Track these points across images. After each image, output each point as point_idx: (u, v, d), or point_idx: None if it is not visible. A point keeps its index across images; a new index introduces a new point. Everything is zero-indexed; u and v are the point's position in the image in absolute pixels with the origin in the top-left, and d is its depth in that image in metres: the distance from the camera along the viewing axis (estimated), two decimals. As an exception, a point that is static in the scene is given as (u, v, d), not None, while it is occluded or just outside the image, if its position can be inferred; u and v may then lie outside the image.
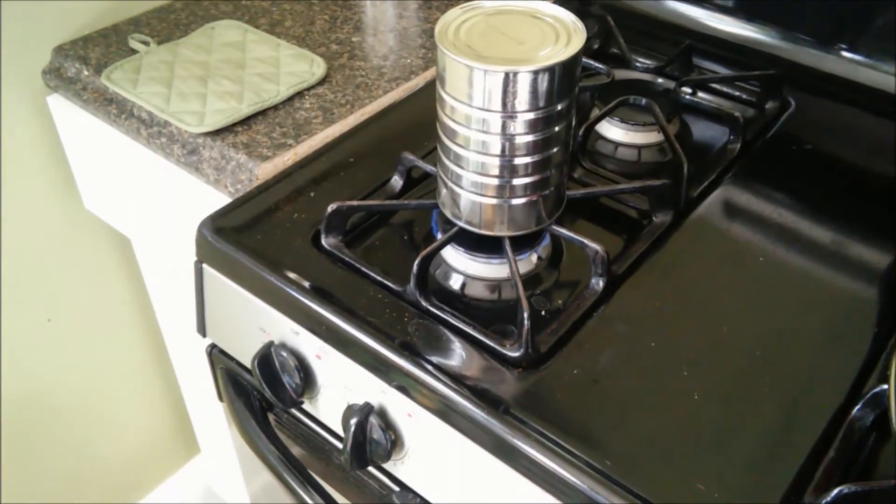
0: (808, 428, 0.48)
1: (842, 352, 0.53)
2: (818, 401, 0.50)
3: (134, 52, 0.87)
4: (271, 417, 0.69)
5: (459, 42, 0.51)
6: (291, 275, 0.59)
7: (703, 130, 0.76)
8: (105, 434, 1.22)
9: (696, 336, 0.54)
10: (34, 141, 0.95)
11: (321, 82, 0.82)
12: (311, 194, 0.67)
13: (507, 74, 0.48)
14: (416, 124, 0.75)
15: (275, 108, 0.78)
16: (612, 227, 0.65)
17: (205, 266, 0.66)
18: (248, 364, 0.63)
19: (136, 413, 1.25)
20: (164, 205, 0.86)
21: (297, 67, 0.83)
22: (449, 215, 0.59)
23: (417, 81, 0.83)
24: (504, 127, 0.51)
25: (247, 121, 0.77)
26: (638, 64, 0.82)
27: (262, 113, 0.78)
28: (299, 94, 0.80)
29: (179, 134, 0.77)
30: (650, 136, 0.72)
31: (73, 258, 1.05)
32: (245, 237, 0.63)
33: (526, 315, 0.51)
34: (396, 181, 0.67)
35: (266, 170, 0.72)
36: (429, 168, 0.64)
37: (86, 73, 0.85)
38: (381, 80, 0.82)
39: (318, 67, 0.83)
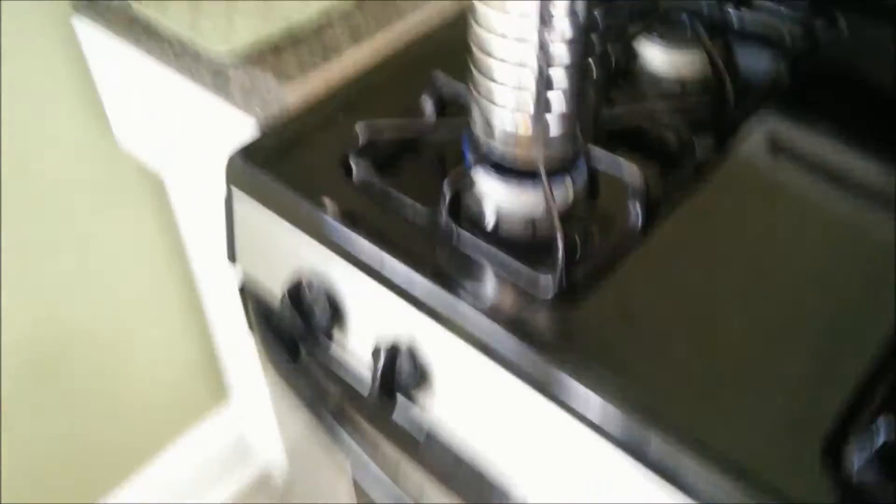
0: (857, 362, 0.45)
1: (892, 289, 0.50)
2: (867, 336, 0.46)
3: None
4: (303, 351, 0.69)
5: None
6: (321, 200, 0.57)
7: (747, 51, 0.70)
8: (132, 379, 1.20)
9: (741, 270, 0.51)
10: (63, 70, 0.93)
11: (350, 1, 0.78)
12: (341, 119, 0.64)
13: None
14: (448, 45, 0.71)
15: (303, 28, 0.75)
16: (650, 155, 0.61)
17: (235, 193, 0.64)
18: (278, 294, 0.62)
19: (166, 358, 1.24)
20: (194, 132, 0.85)
21: (327, -14, 0.79)
22: (481, 135, 0.56)
23: (449, 2, 0.79)
24: (539, 34, 0.48)
25: (275, 42, 0.74)
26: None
27: (290, 35, 0.75)
28: (328, 16, 0.77)
29: (206, 55, 0.74)
30: (691, 57, 0.68)
31: (105, 197, 1.04)
32: (276, 164, 0.61)
33: (561, 245, 0.49)
34: (427, 103, 0.64)
35: (295, 92, 0.69)
36: (461, 87, 0.61)
37: (112, -6, 0.83)
38: (414, -1, 0.78)
39: (348, -14, 0.79)
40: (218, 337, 1.24)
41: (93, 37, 0.88)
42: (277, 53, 0.73)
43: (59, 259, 1.03)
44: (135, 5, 0.79)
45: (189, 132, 0.85)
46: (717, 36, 0.70)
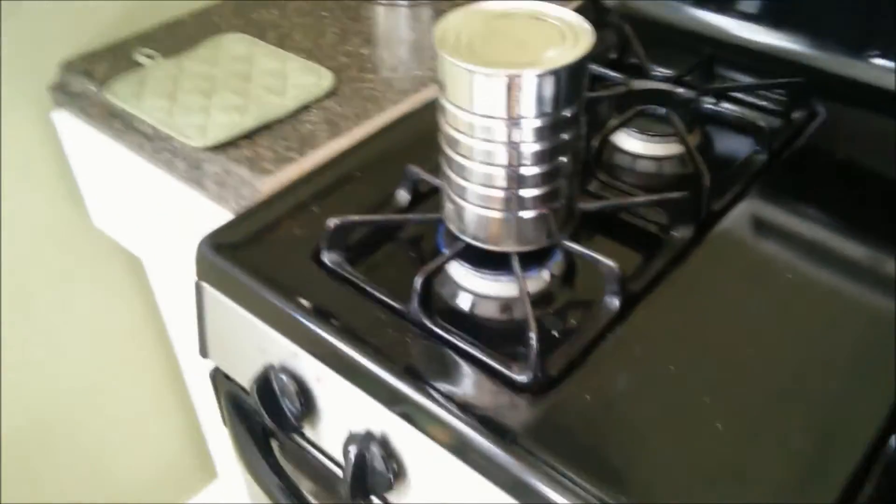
0: (844, 458, 0.44)
1: (878, 376, 0.49)
2: (854, 429, 0.46)
3: (140, 66, 0.85)
4: (275, 444, 0.66)
5: (461, 46, 0.48)
6: (290, 293, 0.56)
7: (726, 142, 0.72)
8: (119, 458, 1.19)
9: (720, 359, 0.50)
10: (40, 158, 0.93)
11: (328, 95, 0.79)
12: (314, 209, 0.64)
13: (510, 78, 0.45)
14: (425, 136, 0.71)
15: (280, 121, 0.76)
16: (629, 242, 0.61)
17: (204, 285, 0.63)
18: (248, 387, 0.60)
19: (152, 437, 1.23)
20: (170, 222, 0.84)
21: (304, 80, 0.80)
22: (454, 230, 0.56)
23: (428, 94, 0.80)
24: (509, 135, 0.48)
25: (251, 135, 0.74)
26: (657, 73, 0.78)
27: (266, 127, 0.75)
28: (305, 108, 0.78)
29: (182, 148, 0.74)
30: (670, 148, 0.69)
31: (84, 278, 1.03)
32: (244, 255, 0.60)
33: (534, 336, 0.48)
34: (402, 195, 0.65)
35: (269, 185, 0.69)
36: (435, 181, 0.61)
37: (91, 87, 0.83)
38: (390, 92, 0.80)
39: (326, 80, 0.80)
40: (203, 416, 1.22)
41: (71, 129, 0.88)
42: (254, 146, 0.73)
43: (38, 342, 1.02)
44: (114, 101, 0.79)
45: (166, 221, 0.84)
46: (696, 126, 0.71)
